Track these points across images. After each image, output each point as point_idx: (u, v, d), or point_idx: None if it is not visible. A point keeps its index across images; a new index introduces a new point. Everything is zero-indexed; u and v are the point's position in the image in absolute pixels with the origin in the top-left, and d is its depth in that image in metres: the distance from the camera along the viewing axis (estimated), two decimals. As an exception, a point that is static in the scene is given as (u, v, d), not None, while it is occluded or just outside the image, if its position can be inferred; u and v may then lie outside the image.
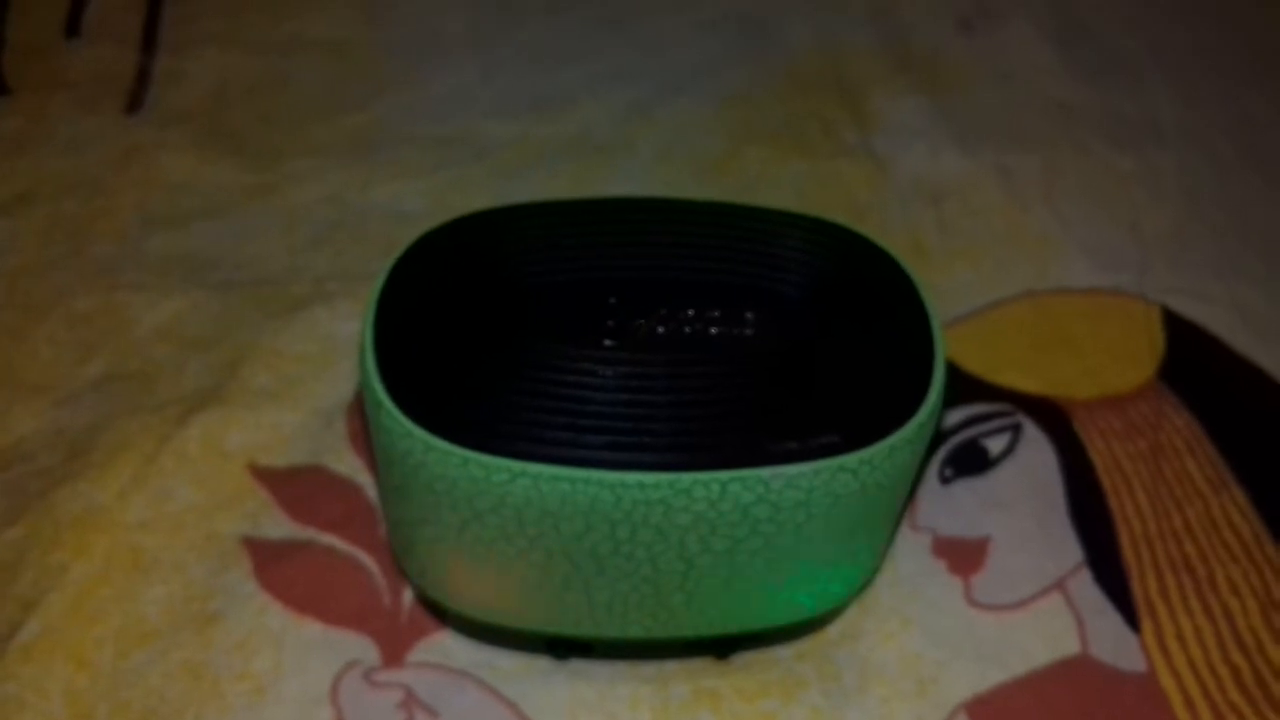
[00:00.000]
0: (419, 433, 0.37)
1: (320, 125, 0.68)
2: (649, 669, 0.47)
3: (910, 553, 0.50)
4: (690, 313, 0.40)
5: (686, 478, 0.36)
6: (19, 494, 0.51)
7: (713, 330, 0.40)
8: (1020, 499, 0.52)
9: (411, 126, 0.68)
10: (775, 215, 0.43)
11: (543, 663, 0.47)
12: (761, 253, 0.42)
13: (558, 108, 0.69)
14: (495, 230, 0.42)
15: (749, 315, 0.40)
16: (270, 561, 0.49)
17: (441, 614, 0.48)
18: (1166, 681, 0.47)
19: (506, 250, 0.41)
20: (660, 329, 0.40)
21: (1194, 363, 0.57)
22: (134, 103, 0.68)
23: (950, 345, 0.41)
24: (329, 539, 0.50)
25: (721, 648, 0.47)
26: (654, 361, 0.38)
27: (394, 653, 0.47)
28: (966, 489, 0.52)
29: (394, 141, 0.67)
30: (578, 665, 0.47)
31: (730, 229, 0.42)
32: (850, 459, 0.37)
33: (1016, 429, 0.54)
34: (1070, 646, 0.48)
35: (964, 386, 0.56)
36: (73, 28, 0.72)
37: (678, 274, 0.41)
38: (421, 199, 0.64)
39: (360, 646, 0.47)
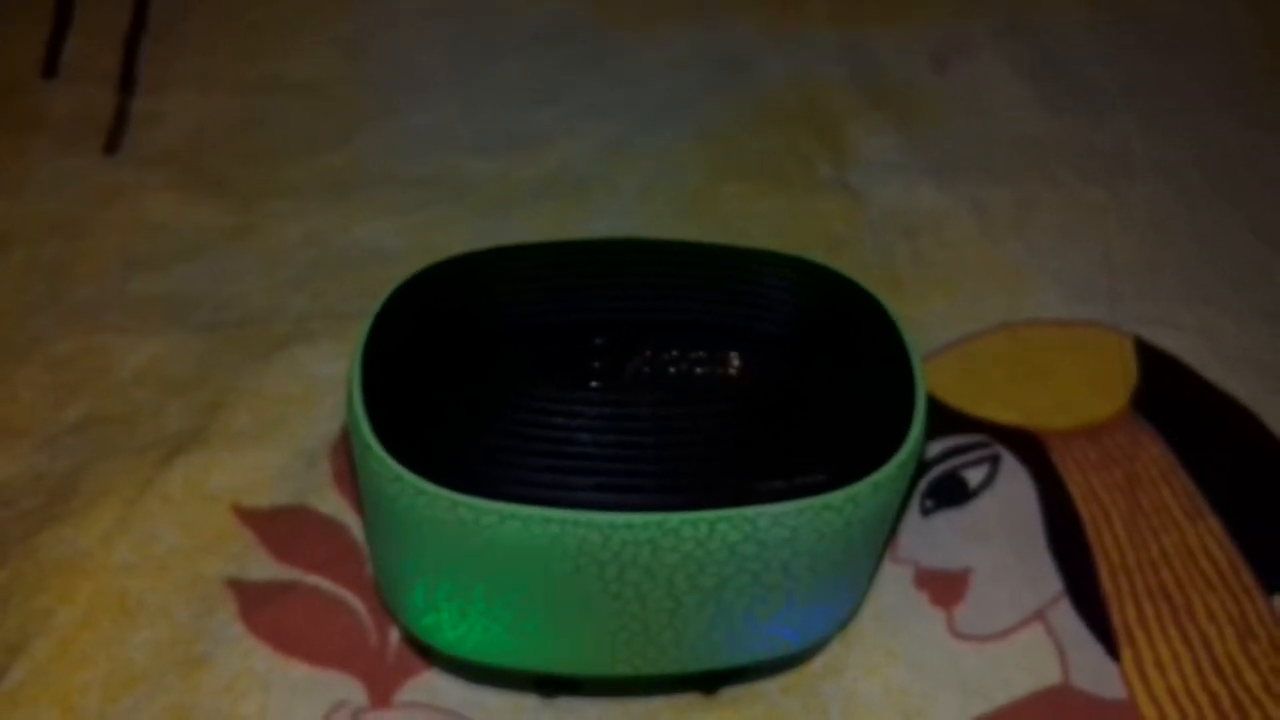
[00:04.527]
0: (408, 476, 0.37)
1: (300, 165, 0.68)
2: (636, 706, 0.47)
3: (893, 585, 0.51)
4: (675, 353, 0.41)
5: (674, 518, 0.37)
6: (1, 539, 0.50)
7: (697, 370, 0.40)
8: (1000, 530, 0.53)
9: (391, 165, 0.69)
10: (757, 255, 0.44)
11: (530, 701, 0.47)
12: (744, 293, 0.42)
13: (537, 145, 0.70)
14: (480, 273, 0.43)
15: (733, 355, 0.41)
16: (256, 603, 0.49)
17: (428, 653, 0.48)
18: (1147, 709, 0.47)
19: (492, 293, 0.42)
20: (645, 369, 0.40)
21: (1167, 392, 0.58)
22: (113, 143, 0.68)
23: (928, 378, 0.41)
24: (314, 579, 0.50)
25: (708, 683, 0.47)
26: (640, 402, 0.39)
27: (382, 693, 0.47)
28: (947, 521, 0.53)
29: (373, 180, 0.68)
30: (565, 703, 0.47)
31: (713, 269, 0.43)
32: (835, 497, 0.38)
33: (995, 460, 0.55)
34: (1052, 676, 0.48)
35: (942, 418, 0.56)
36: (50, 68, 0.72)
37: (662, 315, 0.42)
38: (401, 238, 0.64)
39: (347, 687, 0.47)
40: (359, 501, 0.51)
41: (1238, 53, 0.79)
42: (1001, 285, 0.63)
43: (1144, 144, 0.72)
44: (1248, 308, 0.63)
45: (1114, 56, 0.78)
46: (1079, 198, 0.69)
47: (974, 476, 0.54)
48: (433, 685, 0.47)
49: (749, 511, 0.37)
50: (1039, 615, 0.50)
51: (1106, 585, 0.51)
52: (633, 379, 0.40)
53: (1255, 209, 0.69)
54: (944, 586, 0.51)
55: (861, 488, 0.38)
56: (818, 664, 0.48)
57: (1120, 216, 0.68)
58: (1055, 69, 0.76)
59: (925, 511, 0.53)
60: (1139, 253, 0.66)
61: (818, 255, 0.45)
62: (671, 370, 0.41)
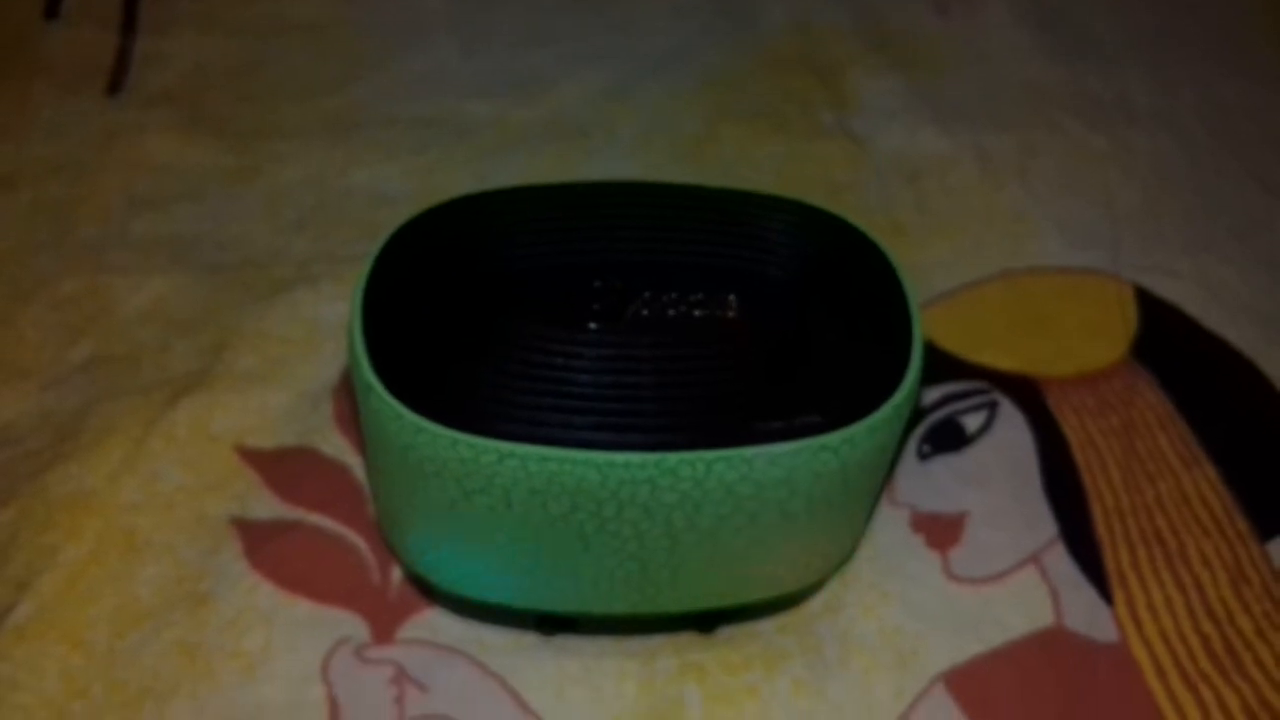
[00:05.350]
0: (408, 415, 0.37)
1: (300, 107, 0.68)
2: (635, 643, 0.47)
3: (889, 528, 0.51)
4: (674, 295, 0.41)
5: (672, 457, 0.37)
6: (9, 477, 0.51)
7: (696, 313, 0.41)
8: (996, 475, 0.53)
9: (391, 107, 0.69)
10: (758, 199, 0.44)
11: (530, 638, 0.47)
12: (744, 236, 0.42)
13: (537, 89, 0.70)
14: (481, 214, 0.43)
15: (732, 298, 0.41)
16: (260, 542, 0.49)
17: (430, 591, 0.48)
18: (1138, 651, 0.48)
19: (492, 234, 0.42)
20: (645, 311, 0.40)
21: (1166, 340, 0.59)
22: (115, 85, 0.68)
23: (928, 324, 0.42)
24: (317, 519, 0.50)
25: (706, 622, 0.48)
26: (639, 344, 0.39)
27: (384, 630, 0.47)
28: (944, 465, 0.53)
29: (374, 122, 0.68)
30: (565, 640, 0.47)
31: (713, 212, 0.43)
32: (831, 438, 0.38)
33: (993, 406, 0.55)
34: (1045, 618, 0.49)
35: (942, 365, 0.57)
36: (51, 10, 0.72)
37: (662, 257, 0.42)
38: (402, 180, 0.65)
39: (350, 624, 0.47)
40: (361, 443, 0.52)
41: (1240, 3, 0.78)
42: (1003, 232, 0.63)
43: (1147, 93, 0.72)
44: (1248, 257, 0.63)
45: (1116, 6, 0.77)
46: (1081, 145, 0.68)
47: (972, 422, 0.55)
48: (434, 623, 0.48)
49: (746, 452, 0.37)
50: (1034, 559, 0.51)
51: (1101, 530, 0.51)
52: (632, 321, 0.41)
53: (1256, 159, 0.68)
54: (940, 529, 0.51)
55: (857, 429, 0.38)
56: (814, 604, 0.49)
57: (1122, 164, 0.68)
58: (1058, 17, 0.76)
59: (923, 456, 0.54)
60: (1140, 201, 0.66)
61: (819, 201, 0.45)
62: (671, 312, 0.41)
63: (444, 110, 0.68)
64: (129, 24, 0.72)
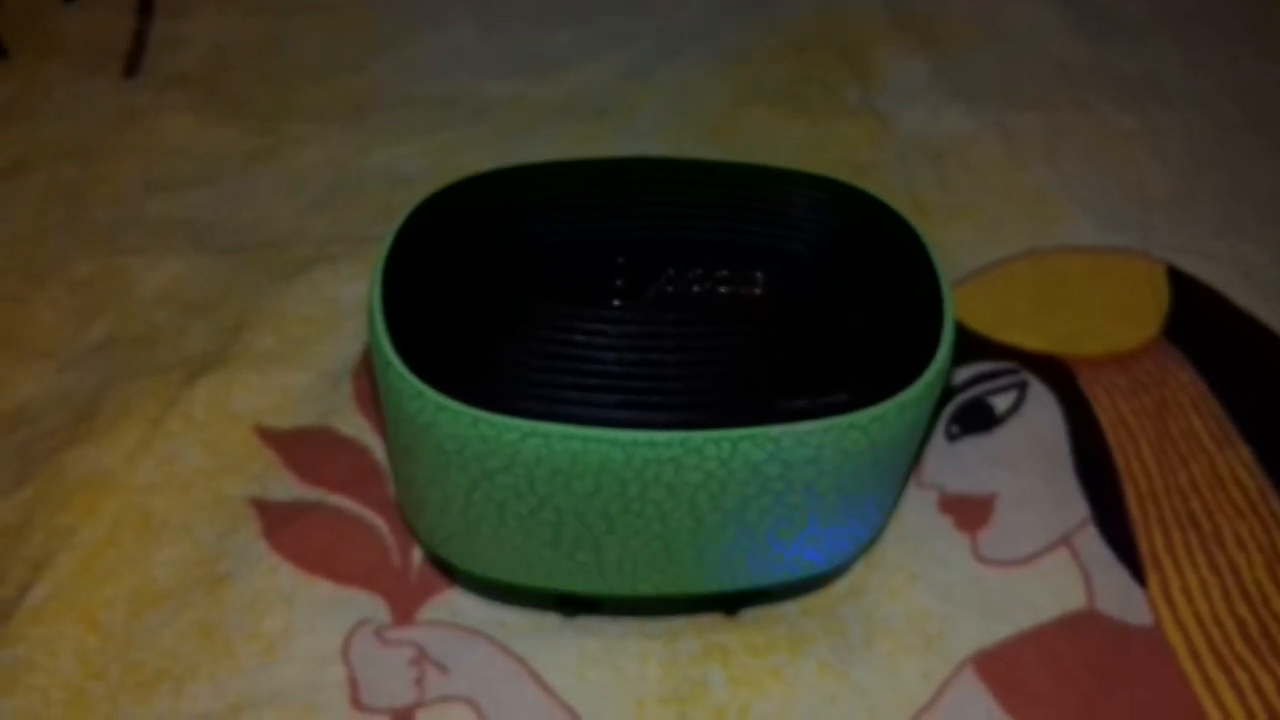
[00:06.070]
0: (429, 393, 0.37)
1: (319, 87, 0.68)
2: (658, 625, 0.47)
3: (917, 509, 0.50)
4: (699, 272, 0.40)
5: (697, 436, 0.36)
6: (26, 457, 0.51)
7: (721, 289, 0.40)
8: (1026, 456, 0.52)
9: (410, 87, 0.68)
10: (783, 174, 0.43)
11: (552, 619, 0.47)
12: (771, 212, 0.41)
13: (557, 68, 0.69)
14: (502, 191, 0.42)
15: (758, 274, 0.40)
16: (279, 522, 0.49)
17: (451, 572, 0.48)
18: (1173, 634, 0.47)
19: (513, 211, 0.41)
20: (669, 288, 0.40)
21: (1198, 320, 0.57)
22: (131, 66, 0.68)
23: (956, 303, 0.41)
24: (337, 499, 0.50)
25: (730, 604, 0.47)
26: (663, 321, 0.38)
27: (404, 611, 0.47)
28: (973, 446, 0.52)
29: (392, 103, 0.67)
30: (586, 622, 0.47)
31: (738, 188, 0.42)
32: (860, 416, 0.37)
33: (1022, 387, 0.54)
34: (1077, 601, 0.48)
35: (970, 345, 0.56)
36: (68, -10, 0.72)
37: (686, 233, 0.41)
38: (421, 161, 0.64)
39: (370, 605, 0.47)
40: (381, 423, 0.51)
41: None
42: (1029, 211, 0.62)
43: (1177, 72, 0.71)
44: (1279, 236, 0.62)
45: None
46: (1110, 124, 0.67)
47: (1001, 403, 0.54)
48: (455, 604, 0.47)
49: (773, 430, 0.37)
50: (1065, 541, 0.50)
51: (1134, 512, 0.50)
52: (656, 298, 0.40)
53: (1288, 136, 0.67)
54: (969, 511, 0.50)
55: (888, 407, 0.37)
56: (840, 586, 0.48)
57: (1152, 144, 0.66)
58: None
59: (951, 437, 0.53)
60: (1171, 181, 0.65)
61: (848, 180, 0.44)
62: (695, 289, 0.40)
63: (462, 90, 0.68)
64: (146, 5, 0.71)
